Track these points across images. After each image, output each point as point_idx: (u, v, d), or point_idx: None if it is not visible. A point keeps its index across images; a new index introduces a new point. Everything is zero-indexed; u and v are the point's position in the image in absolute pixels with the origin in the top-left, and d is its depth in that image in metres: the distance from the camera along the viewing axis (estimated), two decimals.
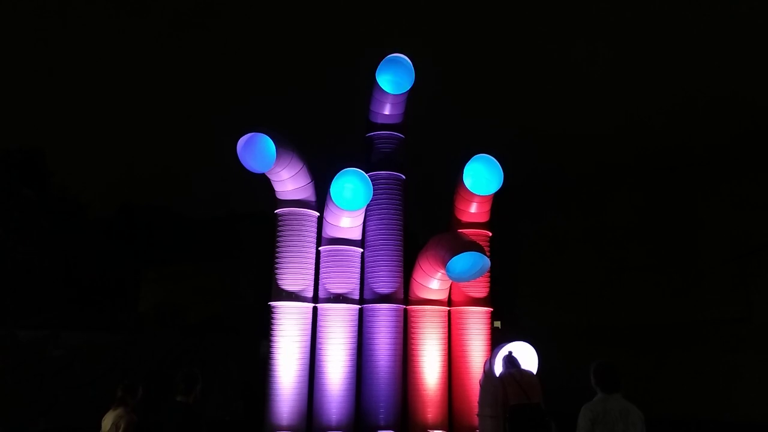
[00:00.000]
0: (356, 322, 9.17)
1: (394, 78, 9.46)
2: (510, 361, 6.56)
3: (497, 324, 18.02)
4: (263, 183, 9.30)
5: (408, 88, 9.31)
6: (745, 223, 14.07)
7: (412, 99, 9.85)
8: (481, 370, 7.74)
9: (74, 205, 26.71)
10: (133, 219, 27.48)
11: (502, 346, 6.92)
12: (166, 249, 25.43)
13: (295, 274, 8.96)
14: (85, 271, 23.09)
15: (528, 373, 6.46)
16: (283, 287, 8.92)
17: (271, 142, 8.21)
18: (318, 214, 9.36)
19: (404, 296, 9.52)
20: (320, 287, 9.20)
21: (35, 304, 16.19)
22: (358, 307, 9.19)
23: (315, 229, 9.34)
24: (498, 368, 6.71)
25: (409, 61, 9.30)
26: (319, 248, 9.32)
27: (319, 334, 9.03)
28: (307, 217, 9.22)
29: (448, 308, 9.60)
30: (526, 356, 7.01)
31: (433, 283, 9.09)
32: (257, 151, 8.41)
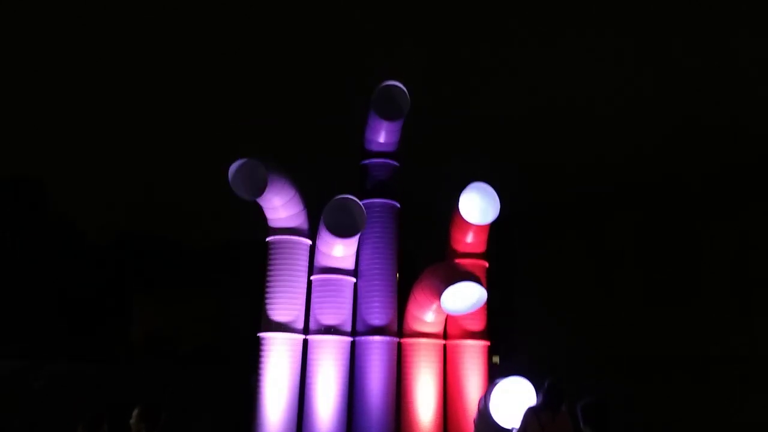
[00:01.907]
0: (348, 355, 8.83)
1: (390, 104, 9.31)
2: (550, 393, 5.30)
3: (495, 359, 17.63)
4: (259, 211, 9.09)
5: (404, 115, 9.19)
6: (748, 254, 13.85)
7: (408, 126, 9.71)
8: (476, 407, 7.38)
9: (71, 232, 26.56)
10: (129, 247, 27.28)
11: (498, 382, 6.59)
12: (161, 278, 25.17)
13: (285, 304, 8.67)
14: (78, 299, 22.80)
15: (562, 419, 5.40)
16: (272, 318, 8.63)
17: (263, 168, 8.05)
18: (310, 242, 9.13)
19: (398, 328, 9.22)
20: (311, 318, 8.90)
21: (20, 332, 15.84)
22: (350, 339, 8.88)
23: (307, 258, 9.08)
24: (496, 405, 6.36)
25: (404, 88, 9.20)
26: (311, 278, 9.06)
27: (309, 368, 8.69)
28: (299, 246, 8.98)
29: (444, 341, 9.29)
30: (524, 393, 6.67)
31: (428, 315, 8.80)
32: (249, 177, 8.23)
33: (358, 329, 9.09)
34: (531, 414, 5.47)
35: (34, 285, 19.80)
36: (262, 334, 8.63)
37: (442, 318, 9.01)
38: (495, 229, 9.73)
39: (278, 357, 8.46)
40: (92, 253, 25.22)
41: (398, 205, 9.64)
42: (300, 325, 8.78)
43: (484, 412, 6.63)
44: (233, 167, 8.08)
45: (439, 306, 8.23)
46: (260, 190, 8.07)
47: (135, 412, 4.41)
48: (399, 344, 9.17)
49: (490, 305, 9.64)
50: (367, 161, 9.71)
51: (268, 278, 8.86)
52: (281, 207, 8.74)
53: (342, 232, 8.38)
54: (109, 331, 21.05)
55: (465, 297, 8.31)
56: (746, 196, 14.43)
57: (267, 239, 9.01)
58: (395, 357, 9.06)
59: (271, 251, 8.96)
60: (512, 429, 6.06)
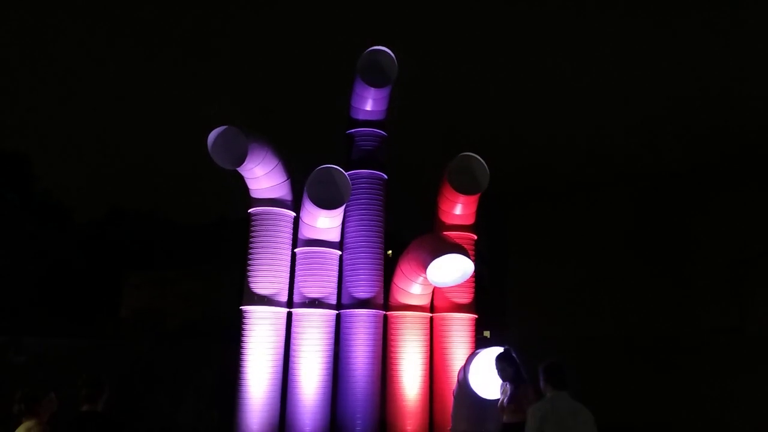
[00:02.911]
0: (333, 329, 8.68)
1: (376, 71, 9.00)
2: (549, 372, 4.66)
3: (486, 334, 17.54)
4: (242, 182, 8.83)
5: (391, 82, 8.90)
6: (739, 232, 13.73)
7: (396, 95, 9.43)
8: (456, 380, 7.21)
9: (59, 210, 26.24)
10: (119, 224, 27.02)
11: (478, 353, 6.41)
12: (151, 254, 24.97)
13: (268, 277, 8.47)
14: (66, 276, 22.60)
15: (524, 389, 5.47)
16: (255, 291, 8.43)
17: (244, 136, 7.78)
18: (294, 214, 8.89)
19: (384, 301, 9.04)
20: (295, 291, 8.71)
21: (5, 309, 15.63)
22: (335, 312, 8.71)
23: (291, 230, 8.86)
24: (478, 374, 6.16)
25: (392, 54, 8.90)
26: (295, 250, 8.84)
27: (293, 341, 8.52)
28: (282, 217, 8.75)
29: (431, 314, 9.13)
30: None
31: (414, 288, 8.63)
32: (229, 146, 7.96)
33: (343, 302, 8.91)
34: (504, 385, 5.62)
35: (20, 262, 19.55)
36: (244, 308, 8.44)
37: (429, 291, 8.84)
38: (485, 204, 9.53)
39: (261, 331, 8.29)
40: (80, 230, 24.95)
41: (385, 176, 9.39)
42: (284, 298, 8.59)
43: (463, 384, 6.48)
44: (212, 135, 7.82)
45: (426, 278, 8.05)
46: (240, 159, 7.82)
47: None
48: (385, 317, 9.01)
49: (481, 280, 9.49)
50: (353, 130, 9.43)
51: (250, 251, 8.65)
52: (263, 177, 8.48)
53: (326, 203, 8.15)
54: (96, 308, 20.87)
55: (452, 269, 8.13)
56: (739, 175, 14.28)
57: (249, 211, 8.77)
58: (381, 330, 8.91)
59: (254, 223, 8.73)
60: (494, 400, 5.92)
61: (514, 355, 5.62)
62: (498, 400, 5.64)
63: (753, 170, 14.05)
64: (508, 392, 5.52)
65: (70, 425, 3.96)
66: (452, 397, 7.22)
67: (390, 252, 10.78)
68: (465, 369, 6.51)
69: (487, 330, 15.60)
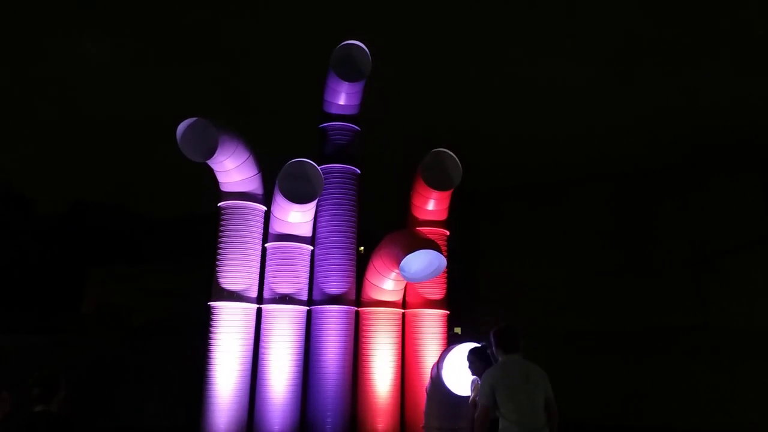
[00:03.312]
0: (304, 325, 8.55)
1: (350, 66, 8.90)
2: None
3: (457, 330, 17.62)
4: (212, 175, 8.63)
5: (364, 77, 8.80)
6: (702, 229, 14.07)
7: (369, 89, 9.33)
8: (428, 376, 7.18)
9: (20, 202, 25.41)
10: (83, 218, 26.29)
11: (451, 349, 6.38)
12: (116, 249, 24.36)
13: (237, 272, 8.30)
14: (26, 271, 21.89)
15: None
16: (224, 286, 8.26)
17: (214, 128, 7.60)
18: (265, 208, 8.74)
19: (356, 297, 8.96)
20: (265, 287, 8.56)
21: None
22: (306, 308, 8.58)
23: (261, 225, 8.70)
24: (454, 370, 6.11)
25: (365, 48, 8.80)
26: (266, 245, 8.68)
27: (262, 338, 8.37)
28: (252, 211, 8.58)
29: (403, 310, 9.08)
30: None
31: (386, 284, 8.56)
32: (199, 138, 7.76)
33: (314, 298, 8.80)
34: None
35: None
36: (212, 303, 8.26)
37: (401, 286, 8.79)
38: (457, 201, 9.51)
39: (230, 327, 8.12)
40: (42, 222, 24.20)
41: (358, 171, 9.30)
42: (253, 293, 8.43)
43: (436, 380, 6.44)
44: (182, 127, 7.63)
45: (398, 274, 8.00)
46: (211, 152, 7.65)
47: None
48: (357, 313, 8.93)
49: (452, 277, 9.47)
50: (326, 124, 9.30)
51: (219, 245, 8.47)
52: (234, 170, 8.30)
53: (298, 197, 8.02)
54: (58, 303, 20.26)
55: (424, 265, 8.09)
56: (703, 175, 14.63)
57: (219, 204, 8.58)
58: (353, 326, 8.83)
59: (224, 217, 8.55)
60: (466, 397, 5.89)
61: (488, 352, 5.57)
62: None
63: (716, 171, 14.42)
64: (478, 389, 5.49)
65: (19, 427, 3.69)
66: (425, 394, 7.17)
67: (362, 248, 10.69)
68: (438, 365, 6.47)
69: (458, 327, 15.65)
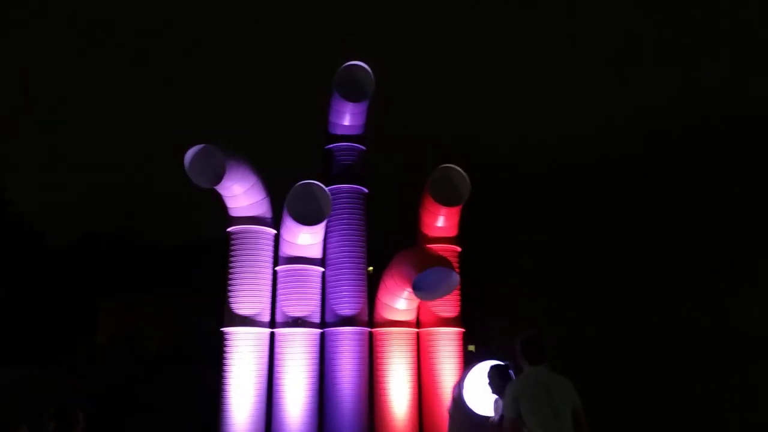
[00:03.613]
0: (317, 348, 8.47)
1: (353, 86, 8.92)
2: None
3: (471, 348, 17.43)
4: (220, 201, 8.64)
5: (368, 96, 8.82)
6: (716, 233, 13.87)
7: (373, 109, 9.35)
8: (450, 396, 7.06)
9: (32, 234, 25.55)
10: (93, 247, 26.41)
11: (472, 367, 6.27)
12: (126, 278, 24.42)
13: (250, 297, 8.26)
14: (39, 302, 21.95)
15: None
16: (236, 312, 8.21)
17: (222, 154, 7.62)
18: (275, 231, 8.72)
19: (369, 318, 8.88)
20: (277, 311, 8.50)
21: None
22: (319, 331, 8.51)
23: (271, 248, 8.67)
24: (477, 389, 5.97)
25: (368, 68, 8.83)
26: (276, 268, 8.65)
27: (276, 362, 8.30)
28: (262, 235, 8.56)
29: (417, 330, 8.98)
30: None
31: (399, 303, 8.48)
32: (207, 164, 7.78)
33: (327, 320, 8.72)
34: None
35: None
36: (225, 329, 8.21)
37: (414, 305, 8.70)
38: (467, 215, 9.45)
39: (243, 352, 8.06)
40: (53, 253, 24.31)
41: (366, 191, 9.28)
42: (266, 318, 8.38)
43: (458, 400, 6.32)
44: (189, 153, 7.65)
45: (411, 293, 7.93)
46: (218, 177, 7.65)
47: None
48: (370, 334, 8.84)
49: (465, 293, 9.38)
50: (331, 146, 9.31)
51: (230, 271, 8.44)
52: (242, 195, 8.30)
53: (307, 219, 8.00)
54: (71, 333, 20.28)
55: (437, 283, 8.01)
56: (716, 176, 14.46)
57: (228, 230, 8.57)
58: (367, 348, 8.73)
59: (233, 242, 8.53)
60: (489, 417, 5.76)
61: (510, 372, 5.42)
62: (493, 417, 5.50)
63: (729, 171, 14.21)
64: (500, 409, 5.37)
65: None
66: (443, 414, 7.05)
67: (371, 268, 10.67)
68: (460, 385, 6.36)
69: (471, 344, 15.50)
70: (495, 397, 5.49)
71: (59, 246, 26.67)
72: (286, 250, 8.56)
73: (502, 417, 5.16)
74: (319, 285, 8.70)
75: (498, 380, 5.37)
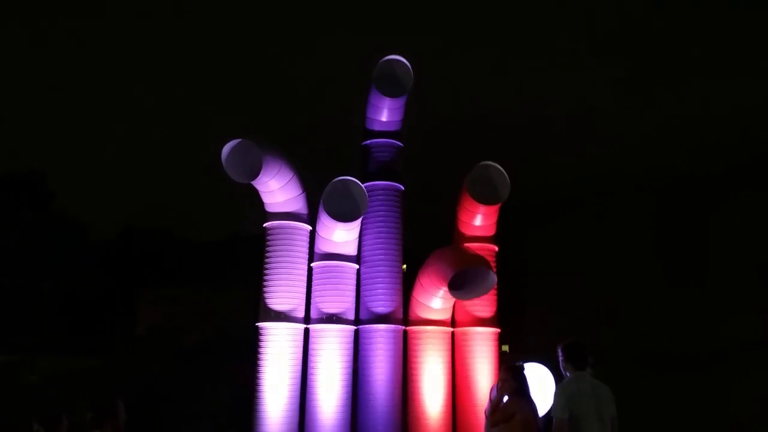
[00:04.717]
0: (351, 345, 8.44)
1: (392, 81, 8.84)
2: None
3: (505, 348, 17.15)
4: (257, 196, 8.68)
5: (406, 92, 8.73)
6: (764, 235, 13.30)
7: (412, 104, 9.26)
8: (488, 398, 6.94)
9: (74, 227, 26.31)
10: (133, 242, 27.04)
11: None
12: (166, 272, 24.92)
13: (284, 293, 8.27)
14: (81, 294, 22.57)
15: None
16: (271, 307, 8.23)
17: (258, 149, 7.64)
18: (310, 227, 8.71)
19: (404, 316, 8.80)
20: (312, 307, 8.49)
21: (20, 328, 15.57)
22: (353, 328, 8.47)
23: (307, 244, 8.66)
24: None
25: (407, 63, 8.74)
26: (311, 264, 8.64)
27: (311, 358, 8.29)
28: (298, 231, 8.56)
29: (452, 329, 8.85)
30: (540, 379, 6.22)
31: (434, 302, 8.37)
32: (244, 159, 7.82)
33: (361, 317, 8.67)
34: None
35: (35, 280, 19.55)
36: (260, 324, 8.24)
37: (450, 304, 8.58)
38: (505, 215, 9.27)
39: (278, 348, 8.07)
40: (95, 247, 24.98)
41: (402, 188, 9.19)
42: (300, 314, 8.38)
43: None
44: (226, 148, 7.71)
45: (447, 292, 7.81)
46: (255, 173, 7.67)
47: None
48: (405, 333, 8.76)
49: (501, 293, 9.21)
50: (368, 141, 9.26)
51: (266, 266, 8.47)
52: (278, 190, 8.32)
53: (342, 216, 7.96)
54: (112, 326, 20.80)
55: (473, 282, 7.88)
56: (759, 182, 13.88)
57: (264, 225, 8.61)
58: (401, 346, 8.66)
59: (269, 238, 8.56)
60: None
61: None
62: (539, 417, 5.39)
63: None
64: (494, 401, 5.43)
65: None
66: (478, 415, 6.92)
67: (405, 266, 10.59)
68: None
69: (505, 345, 15.26)
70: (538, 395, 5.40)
71: (101, 239, 27.42)
72: (322, 247, 8.55)
73: (496, 406, 5.11)
74: (353, 282, 8.65)
75: (511, 381, 5.31)
